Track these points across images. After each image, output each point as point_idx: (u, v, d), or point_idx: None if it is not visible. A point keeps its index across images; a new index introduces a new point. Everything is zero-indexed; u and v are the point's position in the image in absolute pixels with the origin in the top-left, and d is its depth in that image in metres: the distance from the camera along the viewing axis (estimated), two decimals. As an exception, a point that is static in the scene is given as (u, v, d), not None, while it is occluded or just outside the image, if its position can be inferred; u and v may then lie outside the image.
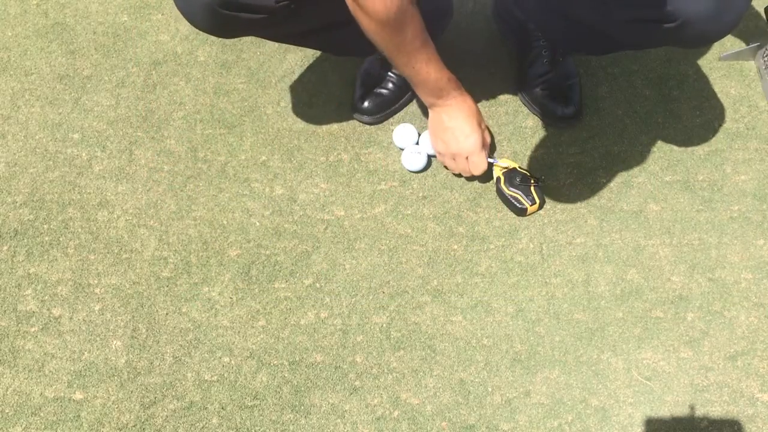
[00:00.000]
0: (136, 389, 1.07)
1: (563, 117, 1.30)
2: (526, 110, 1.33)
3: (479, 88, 1.36)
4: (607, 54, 1.36)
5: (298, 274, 1.17)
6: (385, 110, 1.33)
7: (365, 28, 0.98)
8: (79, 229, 1.21)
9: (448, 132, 1.16)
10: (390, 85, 1.32)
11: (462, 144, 1.15)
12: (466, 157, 1.17)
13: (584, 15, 1.09)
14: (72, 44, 1.46)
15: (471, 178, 1.25)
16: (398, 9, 0.94)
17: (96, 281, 1.16)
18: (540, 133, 1.31)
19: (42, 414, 1.05)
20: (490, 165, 1.21)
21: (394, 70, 1.33)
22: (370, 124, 1.33)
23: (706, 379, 1.07)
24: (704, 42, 1.07)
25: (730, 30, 0.97)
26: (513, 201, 1.19)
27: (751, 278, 1.15)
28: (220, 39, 1.44)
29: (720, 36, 0.99)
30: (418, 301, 1.14)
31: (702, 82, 1.36)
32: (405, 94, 1.35)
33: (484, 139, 1.17)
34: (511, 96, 1.34)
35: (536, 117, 1.32)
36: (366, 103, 1.31)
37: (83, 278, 1.16)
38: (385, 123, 1.33)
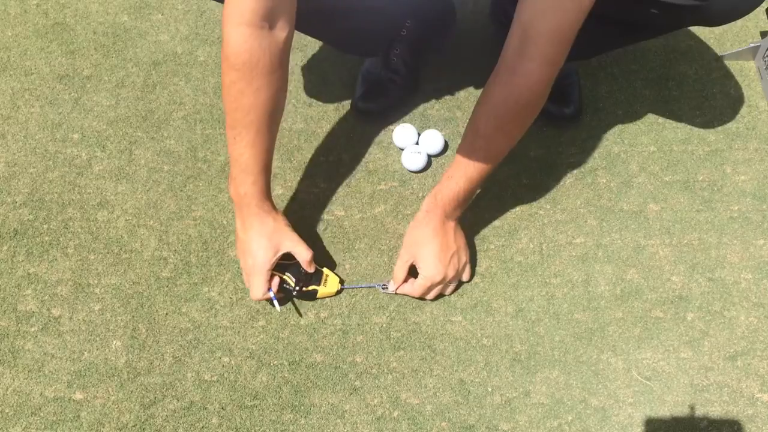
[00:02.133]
0: (136, 389, 1.07)
1: (563, 117, 1.30)
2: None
3: (479, 89, 1.36)
4: (598, 55, 1.35)
5: (298, 274, 1.17)
6: (385, 110, 1.33)
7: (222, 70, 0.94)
8: (79, 229, 1.21)
9: (244, 244, 1.06)
10: (391, 86, 1.32)
11: (244, 261, 1.07)
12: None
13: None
14: (72, 44, 1.46)
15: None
16: (247, 59, 0.90)
17: (96, 281, 1.16)
18: (540, 133, 1.31)
19: (42, 414, 1.05)
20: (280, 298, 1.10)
21: (395, 69, 1.32)
22: (371, 124, 1.33)
23: (706, 379, 1.07)
24: (733, 17, 0.99)
25: (759, 3, 0.94)
26: (306, 293, 1.12)
27: (751, 278, 1.15)
28: (220, 39, 1.44)
29: (750, 9, 0.95)
30: (417, 301, 1.14)
31: (702, 82, 1.36)
32: (406, 94, 1.35)
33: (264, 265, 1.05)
34: (511, 96, 1.34)
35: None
36: (367, 103, 1.31)
37: (83, 278, 1.16)
38: (385, 123, 1.33)
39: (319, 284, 1.12)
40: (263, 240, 1.05)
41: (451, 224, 1.08)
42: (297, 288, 1.10)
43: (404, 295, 1.12)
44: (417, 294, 1.10)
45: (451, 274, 1.09)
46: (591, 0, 0.86)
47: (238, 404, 1.06)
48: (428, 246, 1.07)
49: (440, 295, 1.13)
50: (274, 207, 1.08)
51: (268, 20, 0.90)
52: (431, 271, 1.07)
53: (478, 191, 1.11)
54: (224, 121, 1.32)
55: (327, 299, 1.14)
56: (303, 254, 1.08)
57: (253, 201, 1.03)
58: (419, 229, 1.08)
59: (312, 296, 1.13)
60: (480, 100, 0.99)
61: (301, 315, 1.12)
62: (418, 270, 1.10)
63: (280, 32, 0.93)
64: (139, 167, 1.28)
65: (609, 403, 1.05)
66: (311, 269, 1.10)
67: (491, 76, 0.97)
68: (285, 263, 1.10)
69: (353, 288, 1.15)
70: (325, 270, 1.14)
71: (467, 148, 1.02)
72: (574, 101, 1.30)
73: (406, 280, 1.11)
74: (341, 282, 1.14)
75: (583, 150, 1.29)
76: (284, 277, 1.10)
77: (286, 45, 0.94)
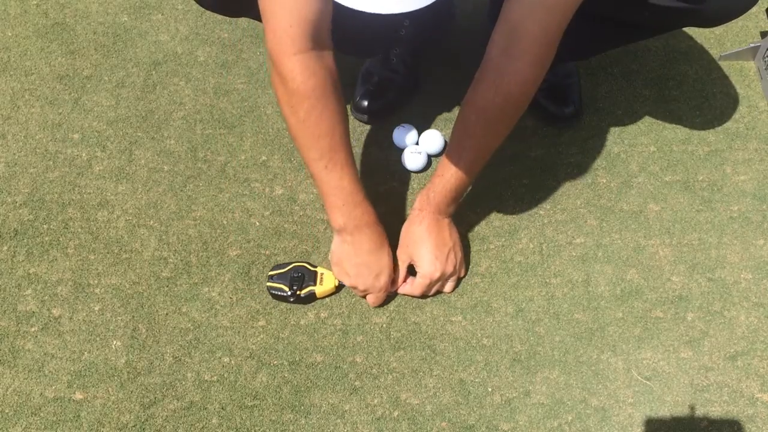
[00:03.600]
0: (136, 389, 1.07)
1: (563, 117, 1.30)
2: (526, 110, 1.33)
3: (479, 88, 1.36)
4: (597, 54, 1.35)
5: (298, 274, 1.17)
6: (385, 110, 1.33)
7: (280, 99, 0.94)
8: (79, 229, 1.21)
9: (357, 268, 1.07)
10: (391, 86, 1.32)
11: (368, 284, 1.07)
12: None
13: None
14: (72, 44, 1.46)
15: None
16: (315, 83, 0.91)
17: (96, 281, 1.16)
18: (540, 133, 1.31)
19: (42, 414, 1.05)
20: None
21: (394, 69, 1.32)
22: (371, 123, 1.33)
23: (706, 379, 1.07)
24: (727, 18, 1.00)
25: (753, 4, 0.95)
26: (305, 297, 1.12)
27: (751, 278, 1.15)
28: (220, 39, 1.44)
29: (743, 10, 0.96)
30: (417, 301, 1.14)
31: (702, 82, 1.36)
32: (406, 94, 1.35)
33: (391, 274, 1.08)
34: (511, 96, 1.34)
35: (536, 117, 1.32)
36: (367, 103, 1.31)
37: (83, 278, 1.16)
38: (385, 123, 1.33)
39: (315, 284, 1.12)
40: (387, 259, 1.07)
41: (445, 221, 1.09)
42: (291, 293, 1.10)
43: (405, 295, 1.13)
44: (417, 293, 1.10)
45: (449, 269, 1.10)
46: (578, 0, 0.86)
47: (238, 404, 1.06)
48: (424, 244, 1.08)
49: (438, 293, 1.13)
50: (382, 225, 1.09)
51: (316, 41, 0.90)
52: (429, 268, 1.08)
53: (470, 188, 1.11)
54: (224, 121, 1.33)
55: (327, 299, 1.14)
56: (392, 274, 1.11)
57: (370, 220, 1.05)
58: (414, 228, 1.09)
59: (312, 298, 1.13)
60: (467, 100, 1.00)
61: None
62: (416, 268, 1.10)
63: (329, 48, 0.94)
64: (139, 167, 1.28)
65: (609, 403, 1.05)
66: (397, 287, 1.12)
67: (477, 75, 0.98)
68: (275, 273, 1.11)
69: None
70: (319, 268, 1.14)
71: (456, 147, 1.03)
72: (574, 101, 1.30)
73: (405, 280, 1.11)
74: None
75: (583, 150, 1.29)
76: (277, 285, 1.11)
77: (334, 58, 0.95)
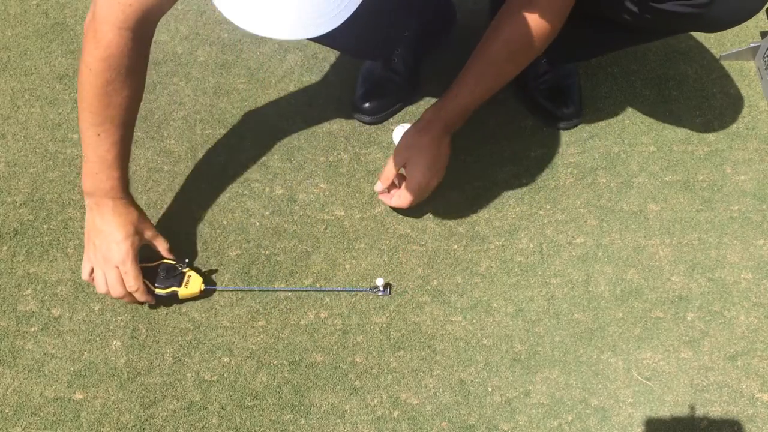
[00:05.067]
0: (136, 389, 1.07)
1: (563, 117, 1.30)
2: (525, 110, 1.33)
3: (479, 88, 1.36)
4: (597, 56, 1.36)
5: (298, 274, 1.17)
6: (385, 110, 1.33)
7: (85, 58, 0.96)
8: (79, 229, 1.21)
9: (101, 235, 1.06)
10: (391, 86, 1.32)
11: (112, 252, 1.05)
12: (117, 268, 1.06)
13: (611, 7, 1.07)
14: (72, 44, 1.46)
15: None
16: (127, 61, 0.95)
17: (96, 281, 1.16)
18: (540, 133, 1.31)
19: (42, 414, 1.05)
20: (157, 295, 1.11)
21: (395, 70, 1.32)
22: (371, 123, 1.33)
23: (706, 379, 1.07)
24: (731, 24, 1.03)
25: (758, 11, 0.97)
26: (166, 296, 1.11)
27: (751, 278, 1.15)
28: (220, 39, 1.44)
29: (748, 16, 0.99)
30: (418, 301, 1.14)
31: (702, 82, 1.36)
32: (406, 94, 1.35)
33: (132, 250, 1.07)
34: (510, 96, 1.34)
35: (536, 117, 1.32)
36: (367, 103, 1.31)
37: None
38: (385, 123, 1.33)
39: (179, 286, 1.11)
40: (131, 227, 1.07)
41: (447, 138, 1.11)
42: (154, 290, 1.10)
43: (392, 207, 1.13)
44: (405, 203, 1.13)
45: (434, 184, 1.13)
46: None
47: (238, 404, 1.06)
48: (423, 155, 1.10)
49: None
50: (133, 198, 1.11)
51: (144, 26, 0.96)
52: (420, 179, 1.11)
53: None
54: (224, 121, 1.33)
55: (327, 299, 1.14)
56: (163, 243, 1.13)
57: (118, 194, 1.06)
58: (419, 137, 1.11)
59: (174, 299, 1.12)
60: (490, 34, 1.03)
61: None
62: (407, 175, 1.11)
63: (150, 37, 1.00)
64: (139, 167, 1.28)
65: (609, 403, 1.05)
66: (170, 255, 1.13)
67: (502, 10, 1.01)
68: (142, 266, 1.10)
69: (225, 290, 1.14)
70: (188, 270, 1.13)
71: (476, 73, 1.06)
72: (574, 101, 1.30)
73: (392, 188, 1.14)
74: (205, 282, 1.13)
75: (583, 150, 1.29)
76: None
77: (151, 42, 1.01)
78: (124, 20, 0.93)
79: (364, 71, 1.35)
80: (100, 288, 1.07)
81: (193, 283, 1.12)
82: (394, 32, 1.29)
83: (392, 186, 1.15)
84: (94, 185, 1.05)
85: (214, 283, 1.15)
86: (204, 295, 1.13)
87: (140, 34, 0.96)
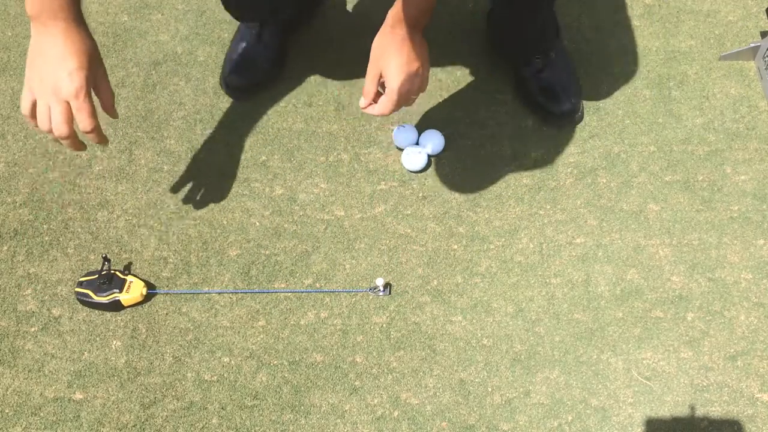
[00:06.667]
0: (136, 389, 1.07)
1: (562, 114, 1.30)
2: (525, 110, 1.33)
3: (479, 89, 1.36)
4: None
5: (298, 274, 1.17)
6: (253, 86, 1.34)
7: None
8: (79, 229, 1.21)
9: (49, 63, 0.90)
10: (259, 61, 1.33)
11: (61, 83, 0.89)
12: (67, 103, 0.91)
13: None
14: (72, 44, 1.46)
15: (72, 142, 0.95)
16: None
17: (96, 281, 1.16)
18: (540, 133, 1.31)
19: (42, 414, 1.05)
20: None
21: (267, 45, 1.34)
22: (238, 100, 1.34)
23: (706, 379, 1.07)
24: None
25: None
26: (109, 304, 1.11)
27: (751, 278, 1.15)
28: (220, 39, 1.44)
29: None
30: (418, 301, 1.14)
31: (702, 82, 1.36)
32: (273, 73, 1.36)
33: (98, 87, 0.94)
34: (510, 96, 1.34)
35: (536, 116, 1.32)
36: (235, 78, 1.33)
37: (83, 278, 1.16)
38: (385, 123, 1.33)
39: (120, 291, 1.11)
40: (85, 57, 0.91)
41: (417, 37, 1.05)
42: (95, 299, 1.10)
43: (374, 115, 1.06)
44: (387, 111, 1.05)
45: (416, 85, 1.06)
46: None
47: (238, 404, 1.06)
48: (395, 58, 1.04)
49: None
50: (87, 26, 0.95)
51: None
52: (397, 81, 1.03)
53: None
54: (224, 121, 1.33)
55: (327, 300, 1.14)
56: (108, 93, 0.98)
57: (71, 14, 0.90)
58: (386, 42, 1.05)
59: (119, 305, 1.11)
60: None
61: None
62: (386, 82, 1.05)
63: None
64: (139, 167, 1.28)
65: (609, 403, 1.05)
66: (114, 115, 1.00)
67: None
68: (85, 279, 1.11)
69: (167, 293, 1.14)
70: (129, 277, 1.12)
71: None
72: (571, 98, 1.30)
73: (373, 99, 1.07)
74: (147, 286, 1.13)
75: (583, 150, 1.29)
76: (84, 290, 1.10)
77: None
78: None
79: (230, 51, 1.36)
80: (43, 125, 0.92)
81: (135, 289, 1.11)
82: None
83: (377, 98, 1.08)
84: (39, 3, 0.88)
85: (155, 287, 1.15)
86: (147, 299, 1.13)
87: None
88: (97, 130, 0.92)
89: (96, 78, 0.94)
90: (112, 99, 0.98)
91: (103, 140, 0.95)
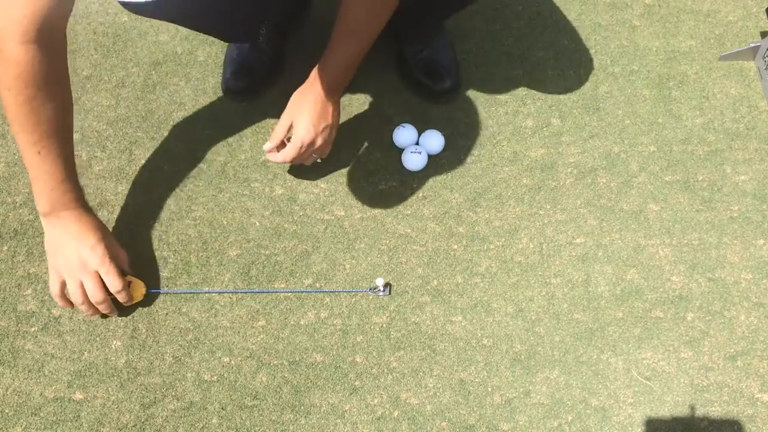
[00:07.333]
0: (136, 389, 1.07)
1: (440, 92, 1.32)
2: (526, 110, 1.33)
3: (478, 89, 1.36)
4: (444, 20, 1.35)
5: (298, 274, 1.17)
6: (254, 89, 1.35)
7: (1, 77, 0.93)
8: (79, 229, 1.21)
9: (70, 246, 1.05)
10: (258, 65, 1.34)
11: (87, 257, 1.05)
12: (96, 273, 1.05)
13: None
14: (72, 44, 1.46)
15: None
16: (40, 73, 0.92)
17: (96, 281, 1.16)
18: (540, 133, 1.31)
19: (42, 414, 1.05)
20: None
21: (261, 49, 1.34)
22: (237, 101, 1.34)
23: (706, 379, 1.07)
24: None
25: None
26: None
27: (751, 278, 1.15)
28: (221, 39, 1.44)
29: None
30: (418, 301, 1.14)
31: (702, 82, 1.36)
32: (273, 75, 1.36)
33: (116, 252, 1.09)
34: (510, 96, 1.35)
35: (535, 116, 1.32)
36: (236, 84, 1.33)
37: (83, 278, 1.16)
38: (385, 123, 1.33)
39: None
40: (99, 232, 1.07)
41: (334, 97, 1.14)
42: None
43: (277, 162, 1.17)
44: (289, 157, 1.14)
45: (319, 142, 1.15)
46: None
47: (238, 404, 1.06)
48: (307, 113, 1.13)
49: (301, 166, 1.21)
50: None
51: (48, 35, 0.91)
52: (304, 134, 1.13)
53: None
54: (224, 121, 1.33)
55: (327, 300, 1.14)
56: (122, 254, 1.12)
57: (80, 202, 1.07)
58: (304, 96, 1.14)
59: (118, 306, 1.11)
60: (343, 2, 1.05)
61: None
62: (293, 133, 1.14)
63: (61, 43, 0.95)
64: (139, 167, 1.28)
65: (609, 403, 1.05)
66: (130, 270, 1.12)
67: None
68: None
69: (167, 293, 1.14)
70: (129, 277, 1.12)
71: (344, 33, 1.09)
72: (451, 76, 1.32)
73: (280, 146, 1.16)
74: (147, 286, 1.13)
75: (583, 150, 1.29)
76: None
77: (65, 49, 0.97)
78: (24, 34, 0.89)
79: (229, 53, 1.36)
80: (77, 299, 1.05)
81: (135, 288, 1.11)
82: (254, 11, 1.28)
83: (282, 146, 1.17)
84: (51, 202, 1.03)
85: (155, 287, 1.15)
86: (147, 299, 1.13)
87: (48, 44, 0.92)
88: (125, 287, 1.07)
89: (111, 248, 1.08)
90: (127, 261, 1.12)
91: (129, 300, 1.10)
